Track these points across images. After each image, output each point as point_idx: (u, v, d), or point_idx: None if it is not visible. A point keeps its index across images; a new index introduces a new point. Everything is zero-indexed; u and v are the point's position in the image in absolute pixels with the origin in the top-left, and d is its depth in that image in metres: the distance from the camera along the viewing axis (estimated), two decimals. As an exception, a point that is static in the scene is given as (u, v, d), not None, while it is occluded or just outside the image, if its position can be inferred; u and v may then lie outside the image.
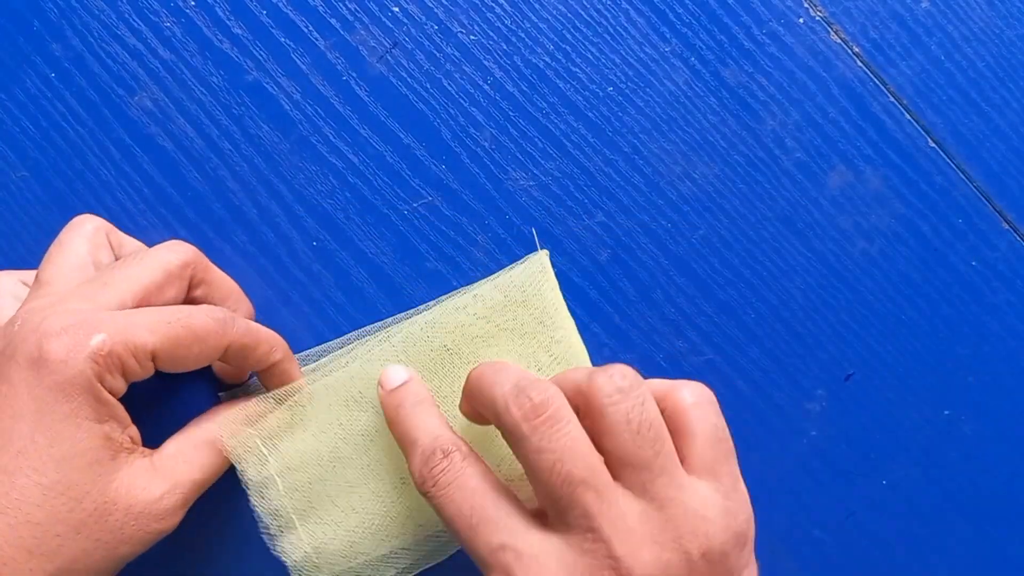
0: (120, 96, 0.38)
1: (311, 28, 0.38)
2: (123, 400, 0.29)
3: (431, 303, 0.36)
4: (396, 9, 0.38)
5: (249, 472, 0.33)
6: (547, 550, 0.28)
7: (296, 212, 0.38)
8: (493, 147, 0.38)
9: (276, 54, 0.38)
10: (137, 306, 0.30)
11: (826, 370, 0.38)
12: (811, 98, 0.39)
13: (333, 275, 0.37)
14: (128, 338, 0.28)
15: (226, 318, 0.31)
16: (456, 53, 0.38)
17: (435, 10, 0.38)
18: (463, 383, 0.31)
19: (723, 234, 0.38)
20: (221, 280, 0.34)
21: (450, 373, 0.34)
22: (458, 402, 0.32)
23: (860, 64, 0.39)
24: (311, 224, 0.38)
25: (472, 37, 0.38)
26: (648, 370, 0.38)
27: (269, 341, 0.33)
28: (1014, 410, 0.38)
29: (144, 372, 0.29)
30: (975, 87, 0.39)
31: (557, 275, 0.35)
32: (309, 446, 0.34)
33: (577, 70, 0.38)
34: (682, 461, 0.29)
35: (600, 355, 0.38)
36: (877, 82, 0.39)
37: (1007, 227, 0.39)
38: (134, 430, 0.30)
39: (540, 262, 0.35)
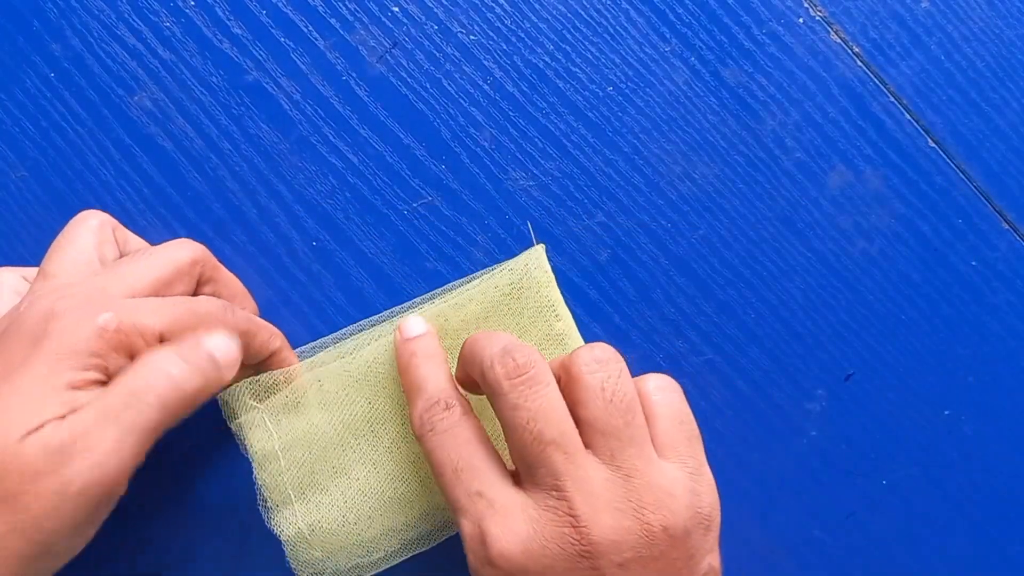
0: (120, 96, 0.38)
1: (311, 28, 0.38)
2: None
3: (427, 295, 0.36)
4: (396, 9, 0.38)
5: (256, 446, 0.34)
6: (517, 503, 0.29)
7: (296, 212, 0.38)
8: (493, 147, 0.38)
9: (276, 54, 0.38)
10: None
11: (826, 370, 0.38)
12: (811, 98, 0.39)
13: (333, 275, 0.37)
14: (136, 319, 0.28)
15: (227, 305, 0.32)
16: (456, 53, 0.38)
17: (435, 10, 0.38)
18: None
19: (723, 234, 0.38)
20: (228, 279, 0.35)
21: None
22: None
23: (860, 64, 0.39)
24: (311, 224, 0.38)
25: (472, 37, 0.38)
26: (648, 370, 0.37)
27: (269, 329, 0.33)
28: (1014, 410, 0.38)
29: None
30: (975, 87, 0.39)
31: (557, 275, 0.35)
32: (312, 426, 0.34)
33: (577, 70, 0.38)
34: None
35: (600, 355, 0.38)
36: (877, 82, 0.39)
37: (1007, 227, 0.39)
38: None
39: (536, 256, 0.35)
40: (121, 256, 0.33)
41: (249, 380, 0.34)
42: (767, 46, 0.39)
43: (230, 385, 0.36)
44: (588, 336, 0.37)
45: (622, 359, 0.30)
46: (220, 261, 0.35)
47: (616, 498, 0.28)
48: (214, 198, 0.38)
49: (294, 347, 0.35)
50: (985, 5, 0.39)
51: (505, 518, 0.29)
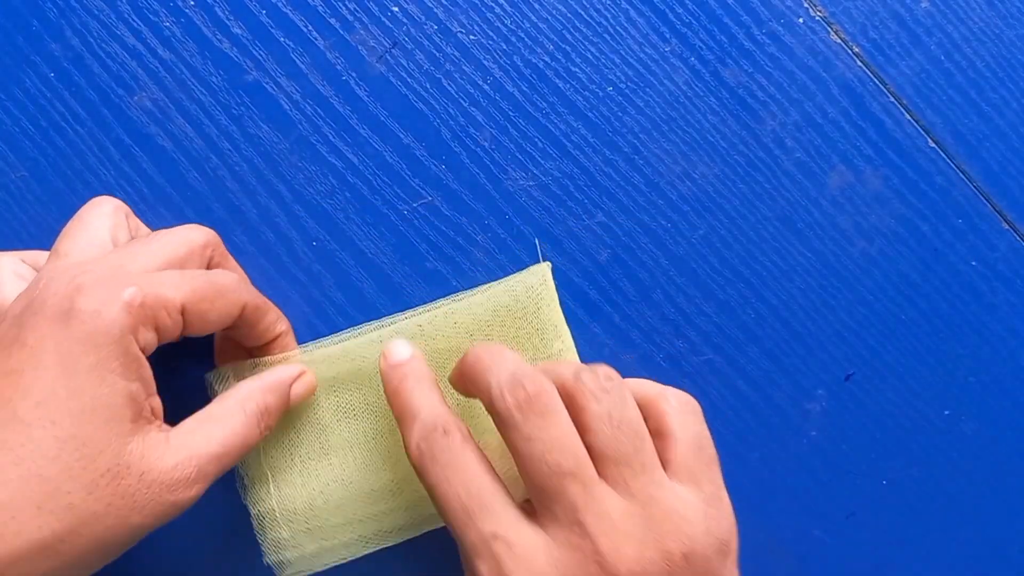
0: (119, 96, 0.38)
1: (311, 28, 0.38)
2: None
3: (428, 305, 0.36)
4: (396, 9, 0.38)
5: None
6: (537, 544, 0.28)
7: (296, 212, 0.38)
8: (493, 147, 0.38)
9: (276, 54, 0.38)
10: None
11: (826, 370, 0.38)
12: (811, 98, 0.39)
13: (333, 275, 0.37)
14: (158, 292, 0.29)
15: (243, 279, 0.32)
16: (456, 53, 0.38)
17: (435, 10, 0.38)
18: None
19: (723, 234, 0.38)
20: (235, 267, 0.35)
21: (442, 379, 0.34)
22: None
23: (860, 64, 0.39)
24: (311, 224, 0.38)
25: (472, 37, 0.38)
26: (648, 370, 0.38)
27: (277, 312, 0.34)
28: (1014, 410, 0.38)
29: (174, 327, 0.29)
30: (975, 87, 0.39)
31: (557, 276, 0.35)
32: (293, 409, 0.34)
33: (577, 70, 0.38)
34: (665, 466, 0.30)
35: (600, 355, 0.38)
36: (877, 82, 0.39)
37: (1007, 227, 0.39)
38: (157, 401, 0.30)
39: (542, 274, 0.35)
40: None
41: (250, 363, 0.34)
42: (767, 46, 0.39)
43: (223, 371, 0.36)
44: (588, 336, 0.37)
45: (623, 382, 0.30)
46: (221, 261, 0.35)
47: (636, 530, 0.28)
48: (214, 198, 0.38)
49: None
50: (985, 5, 0.39)
51: (528, 562, 0.28)
